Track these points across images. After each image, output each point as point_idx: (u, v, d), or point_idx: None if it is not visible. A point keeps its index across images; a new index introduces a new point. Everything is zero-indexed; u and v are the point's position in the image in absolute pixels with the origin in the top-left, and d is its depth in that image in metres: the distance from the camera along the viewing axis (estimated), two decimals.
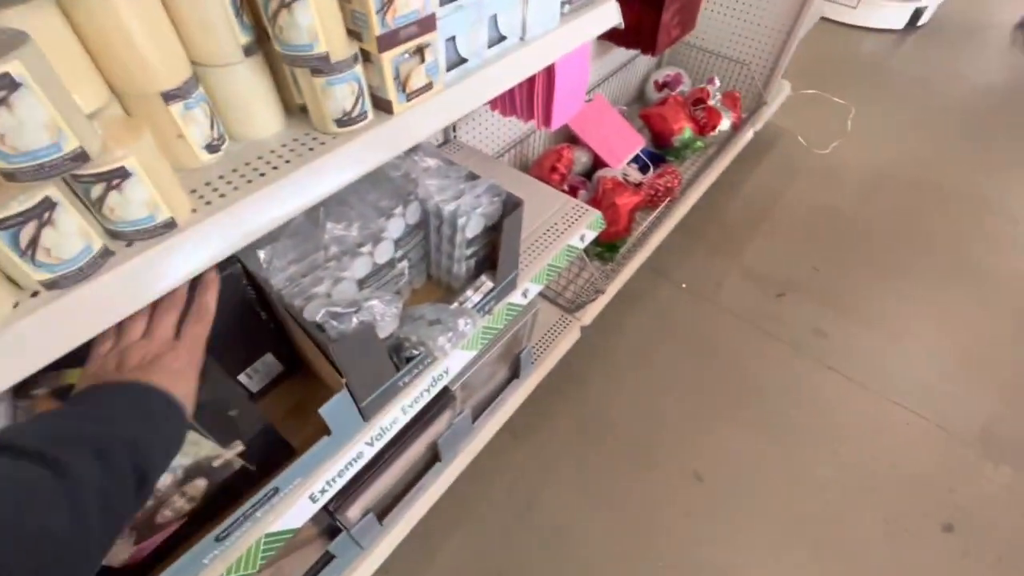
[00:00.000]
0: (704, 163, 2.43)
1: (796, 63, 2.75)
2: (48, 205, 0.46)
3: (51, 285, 0.49)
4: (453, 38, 0.78)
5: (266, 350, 1.02)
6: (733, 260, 2.36)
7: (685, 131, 2.38)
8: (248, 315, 0.94)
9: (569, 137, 2.24)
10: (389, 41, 0.66)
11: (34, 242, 0.47)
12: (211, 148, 0.64)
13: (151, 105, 0.57)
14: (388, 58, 0.67)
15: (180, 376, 0.59)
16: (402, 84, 0.72)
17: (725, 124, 2.47)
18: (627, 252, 2.02)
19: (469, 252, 1.09)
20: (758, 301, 2.20)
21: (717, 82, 2.56)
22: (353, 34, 0.65)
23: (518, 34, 0.90)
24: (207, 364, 0.67)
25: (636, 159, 2.29)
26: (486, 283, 1.12)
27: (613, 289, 1.99)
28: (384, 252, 1.00)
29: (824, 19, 4.09)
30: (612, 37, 2.07)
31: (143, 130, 0.52)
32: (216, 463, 0.84)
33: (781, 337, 2.07)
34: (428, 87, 0.76)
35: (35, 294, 0.50)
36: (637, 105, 2.76)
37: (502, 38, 0.88)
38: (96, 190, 0.50)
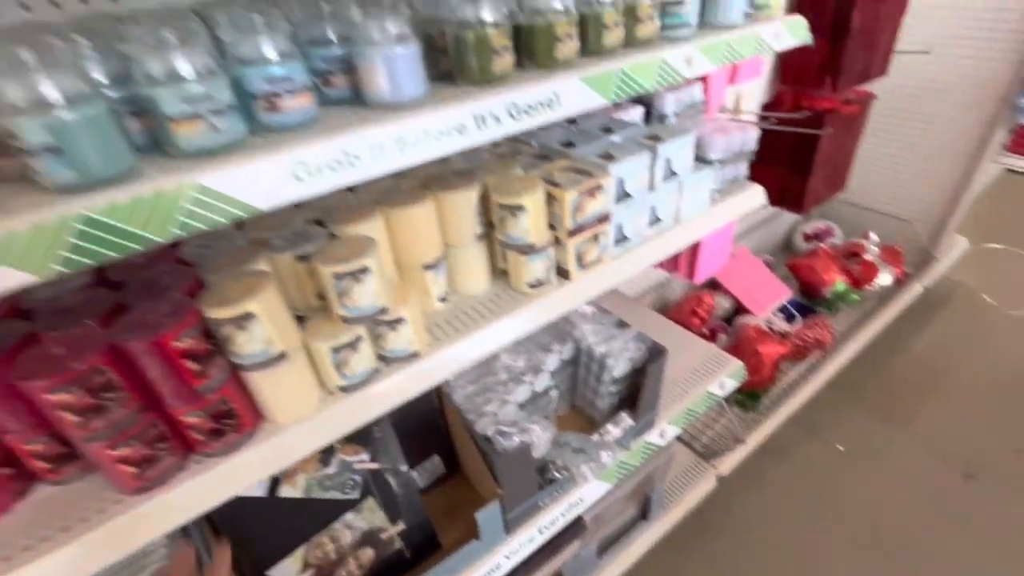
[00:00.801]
0: (861, 317, 2.32)
1: (978, 215, 2.60)
2: (359, 339, 0.73)
3: (344, 389, 0.74)
4: (621, 224, 1.00)
5: (435, 452, 1.22)
6: (902, 427, 2.11)
7: (838, 283, 2.33)
8: (430, 420, 1.17)
9: (711, 282, 2.34)
10: (576, 232, 0.89)
11: (345, 361, 0.72)
12: (442, 299, 0.90)
13: (415, 272, 0.85)
14: (573, 243, 0.90)
15: None
16: (580, 259, 0.94)
17: (885, 279, 2.37)
18: (771, 403, 1.95)
19: (614, 390, 1.22)
20: (936, 479, 1.91)
21: (874, 236, 2.51)
22: (550, 226, 0.90)
23: (673, 217, 1.10)
24: (392, 442, 0.84)
25: (782, 308, 2.29)
26: (626, 420, 1.22)
27: (754, 440, 1.91)
28: (542, 382, 1.18)
29: (1010, 171, 3.80)
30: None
31: (411, 293, 0.79)
32: (383, 535, 1.02)
33: (970, 528, 1.75)
34: (599, 260, 0.97)
35: (331, 393, 0.75)
36: (784, 255, 2.78)
37: (659, 220, 1.08)
38: (383, 330, 0.75)
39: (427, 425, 1.17)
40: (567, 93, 0.73)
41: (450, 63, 0.72)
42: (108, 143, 0.47)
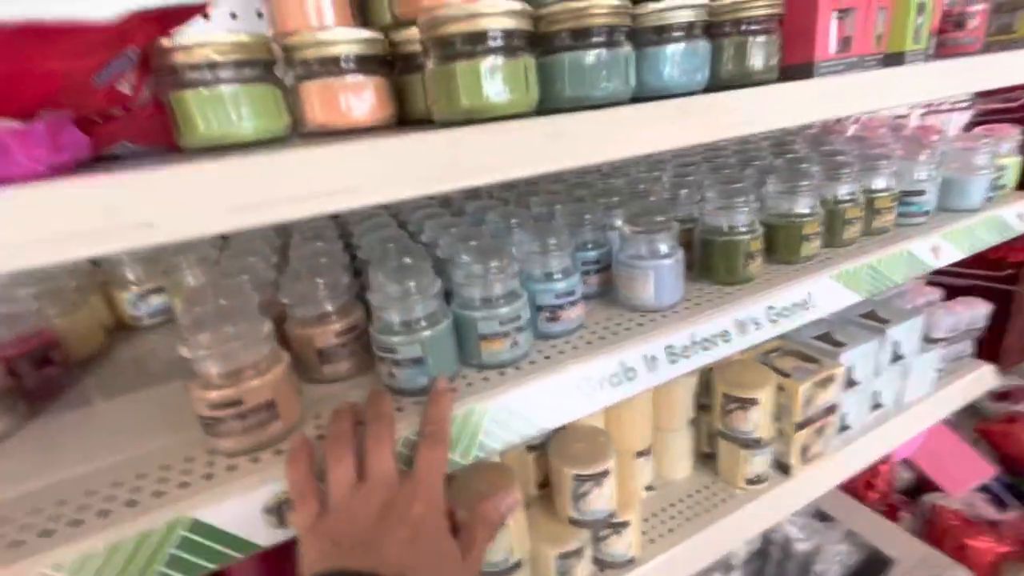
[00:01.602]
0: None
1: None
2: (584, 546, 0.67)
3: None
4: (845, 413, 0.89)
5: None
6: None
7: None
8: None
9: None
10: (804, 425, 0.80)
11: (568, 571, 0.66)
12: (648, 488, 0.83)
13: (627, 459, 0.79)
14: (799, 437, 0.81)
15: (422, 532, 0.40)
16: (804, 453, 0.83)
17: None
18: None
19: None
20: None
21: None
22: (775, 416, 0.82)
23: (894, 402, 0.97)
24: None
25: (984, 488, 1.89)
26: None
27: None
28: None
29: None
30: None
31: (635, 493, 0.72)
32: None
33: None
34: (820, 454, 0.86)
35: None
36: (968, 417, 2.37)
37: (880, 405, 0.96)
38: (606, 533, 0.69)
39: None
40: (821, 292, 0.69)
41: (695, 260, 0.72)
42: (451, 354, 0.51)
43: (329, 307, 0.52)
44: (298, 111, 0.49)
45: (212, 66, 0.42)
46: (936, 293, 1.12)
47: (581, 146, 0.45)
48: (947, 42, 0.80)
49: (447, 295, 0.54)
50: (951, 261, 0.81)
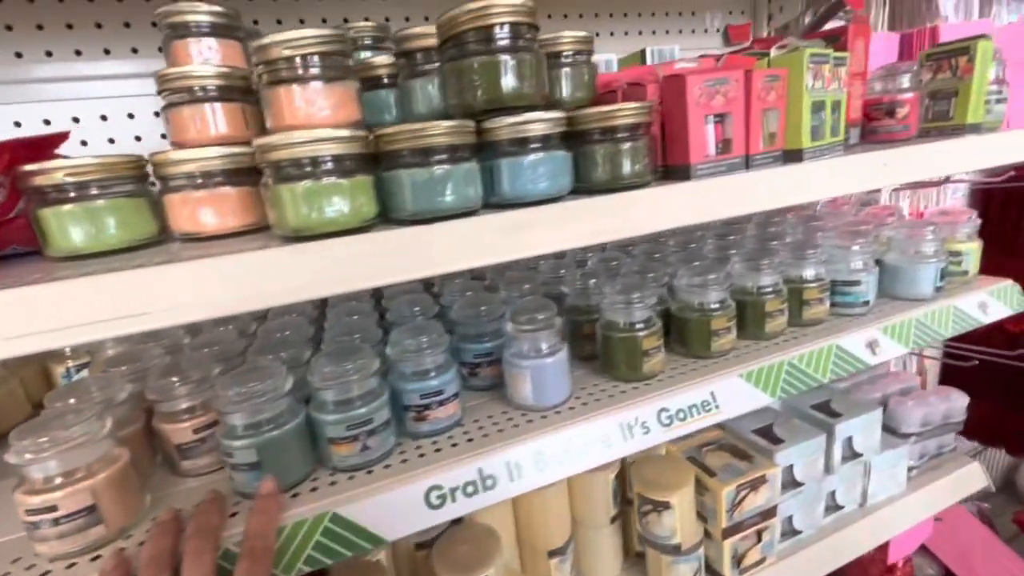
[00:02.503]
0: None
1: None
2: None
3: None
4: (790, 516, 0.82)
5: None
6: None
7: None
8: None
9: None
10: (733, 531, 0.74)
11: None
12: None
13: (539, 559, 0.75)
14: (729, 544, 0.75)
15: None
16: (737, 561, 0.76)
17: None
18: None
19: None
20: None
21: None
22: (701, 516, 0.76)
23: (857, 502, 0.89)
24: None
25: None
26: None
27: None
28: None
29: None
30: (966, 426, 1.80)
31: None
32: None
33: None
34: (761, 562, 0.78)
35: None
36: (1006, 501, 2.14)
37: (839, 507, 0.88)
38: None
39: None
40: (727, 393, 0.65)
41: (597, 351, 0.70)
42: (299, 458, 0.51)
43: (186, 404, 0.54)
44: (168, 219, 0.52)
45: (68, 186, 0.46)
46: (916, 380, 1.03)
47: (416, 260, 0.46)
48: (878, 129, 0.79)
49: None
50: (892, 356, 0.75)
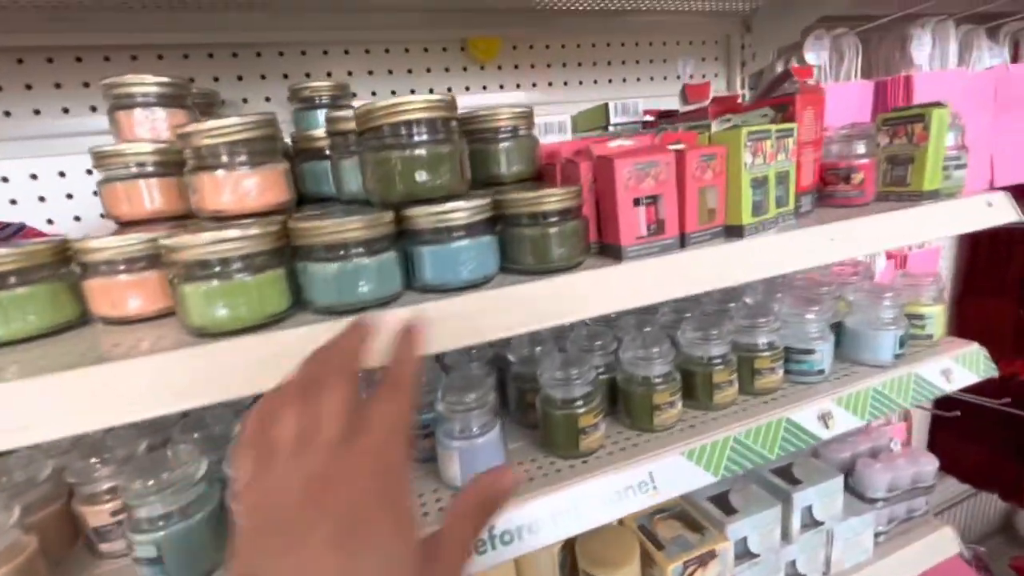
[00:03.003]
0: None
1: None
2: None
3: None
4: None
5: None
6: None
7: None
8: None
9: None
10: None
11: None
12: None
13: None
14: None
15: (358, 528, 0.27)
16: None
17: None
18: None
19: None
20: None
21: None
22: None
23: (820, 571, 0.86)
24: None
25: None
26: None
27: None
28: None
29: None
30: (958, 471, 1.75)
31: None
32: None
33: None
34: None
35: None
36: (1000, 541, 2.08)
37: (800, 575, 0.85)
38: None
39: None
40: (665, 473, 0.64)
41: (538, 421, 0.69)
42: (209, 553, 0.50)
43: (105, 485, 0.53)
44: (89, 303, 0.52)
45: None
46: (887, 437, 1.01)
47: None
48: (835, 194, 0.78)
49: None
50: (846, 430, 0.73)
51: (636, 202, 0.56)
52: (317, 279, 0.47)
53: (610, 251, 0.58)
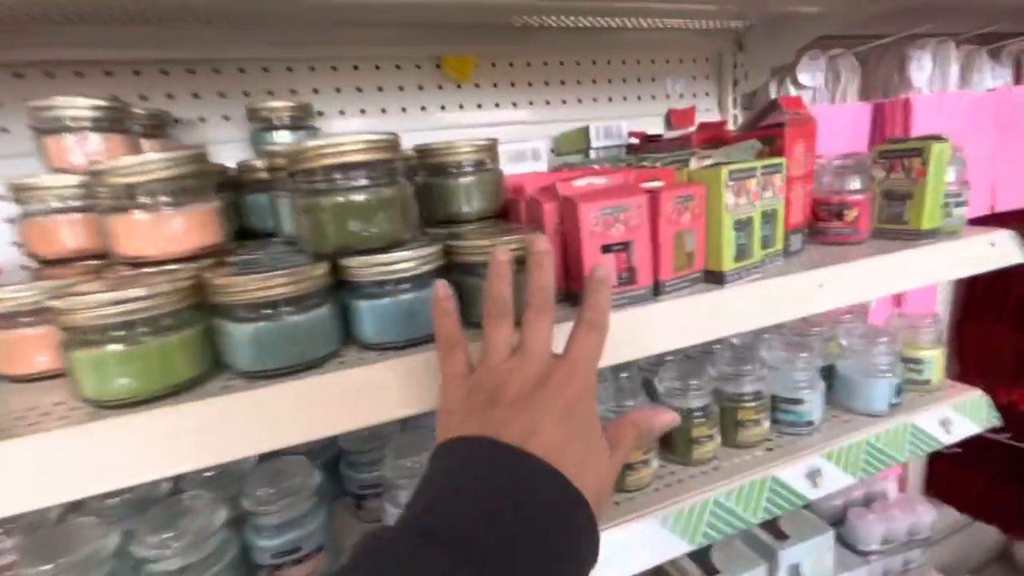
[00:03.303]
0: None
1: None
2: None
3: None
4: None
5: None
6: None
7: None
8: None
9: None
10: None
11: None
12: None
13: None
14: None
15: (576, 413, 0.34)
16: None
17: None
18: None
19: None
20: None
21: None
22: None
23: None
24: None
25: None
26: None
27: None
28: None
29: None
30: (956, 501, 1.69)
31: None
32: None
33: None
34: None
35: None
36: (997, 569, 2.01)
37: None
38: None
39: None
40: (637, 542, 0.58)
41: None
42: None
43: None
44: None
45: None
46: (883, 483, 0.95)
47: (238, 437, 0.40)
48: (827, 231, 0.72)
49: None
50: (837, 488, 0.68)
51: (605, 249, 0.51)
52: (235, 341, 0.42)
53: (577, 301, 0.53)
